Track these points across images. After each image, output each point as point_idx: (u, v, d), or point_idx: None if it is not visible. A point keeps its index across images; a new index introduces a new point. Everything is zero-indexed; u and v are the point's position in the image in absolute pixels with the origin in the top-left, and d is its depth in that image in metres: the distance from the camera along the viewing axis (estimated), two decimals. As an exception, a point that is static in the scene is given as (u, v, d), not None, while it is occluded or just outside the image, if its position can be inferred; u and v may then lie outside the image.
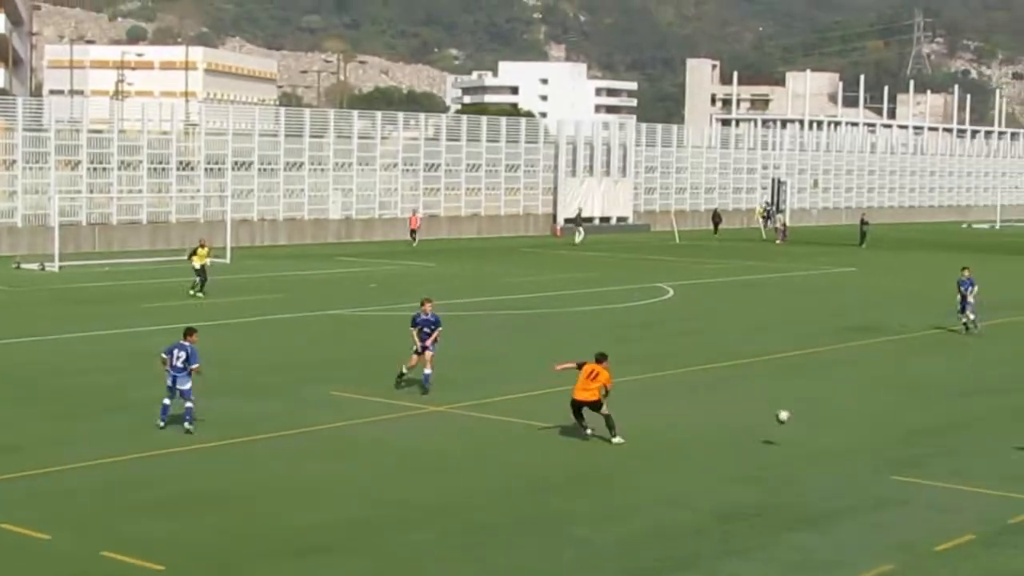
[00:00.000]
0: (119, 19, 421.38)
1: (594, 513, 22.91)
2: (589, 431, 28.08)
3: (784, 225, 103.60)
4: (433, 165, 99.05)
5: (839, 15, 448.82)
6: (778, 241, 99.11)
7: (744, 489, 24.72)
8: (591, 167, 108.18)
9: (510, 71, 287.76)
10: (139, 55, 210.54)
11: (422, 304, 33.86)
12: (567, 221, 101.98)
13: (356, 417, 30.51)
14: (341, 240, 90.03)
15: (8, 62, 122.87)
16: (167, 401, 28.41)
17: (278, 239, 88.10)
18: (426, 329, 33.36)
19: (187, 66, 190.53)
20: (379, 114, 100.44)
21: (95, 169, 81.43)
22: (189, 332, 28.70)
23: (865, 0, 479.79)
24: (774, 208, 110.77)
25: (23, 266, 67.57)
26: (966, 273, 47.33)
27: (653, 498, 24.02)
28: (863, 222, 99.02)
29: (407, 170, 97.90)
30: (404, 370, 33.71)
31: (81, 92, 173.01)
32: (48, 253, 69.06)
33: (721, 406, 33.07)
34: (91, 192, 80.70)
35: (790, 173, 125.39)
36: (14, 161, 78.63)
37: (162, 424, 28.36)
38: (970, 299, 47.11)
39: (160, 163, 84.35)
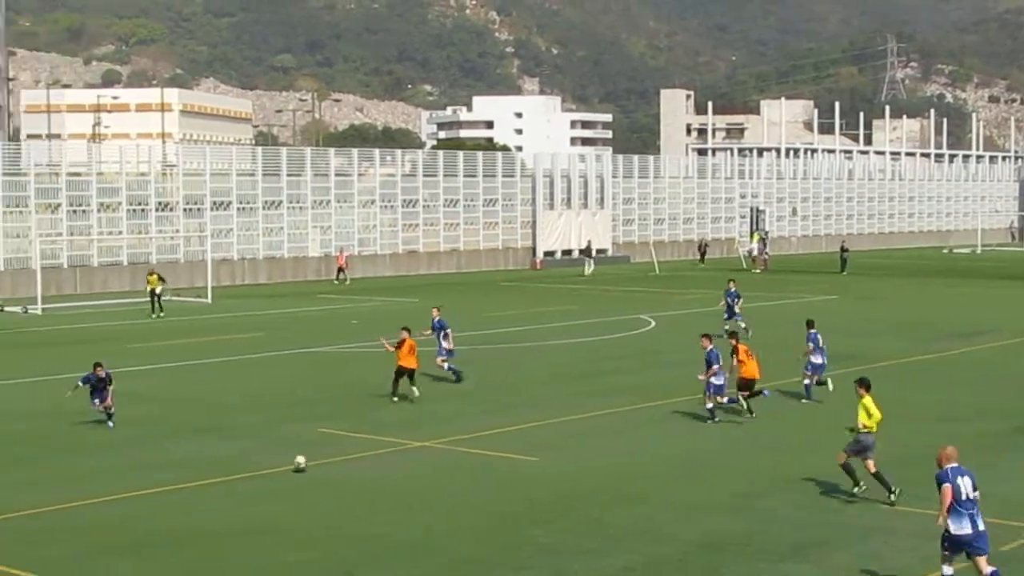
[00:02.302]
0: (94, 63, 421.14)
1: (579, 547, 22.94)
2: None
3: (765, 254, 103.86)
4: (411, 201, 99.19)
5: (811, 43, 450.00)
6: (757, 270, 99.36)
7: (727, 519, 24.79)
8: (568, 200, 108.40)
9: (484, 106, 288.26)
10: (115, 98, 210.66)
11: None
12: (581, 252, 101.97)
13: (340, 454, 30.53)
14: (321, 277, 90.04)
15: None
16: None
17: (258, 278, 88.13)
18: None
19: (163, 108, 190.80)
20: (355, 151, 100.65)
21: (75, 212, 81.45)
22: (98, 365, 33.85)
23: (837, 27, 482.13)
24: (764, 234, 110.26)
25: (6, 309, 67.56)
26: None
27: (637, 530, 24.09)
28: (843, 249, 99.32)
29: (385, 206, 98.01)
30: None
31: (58, 136, 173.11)
32: (31, 296, 69.05)
33: (699, 436, 33.13)
34: (71, 235, 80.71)
35: (768, 201, 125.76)
36: (-7, 206, 78.67)
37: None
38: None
39: (139, 204, 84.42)
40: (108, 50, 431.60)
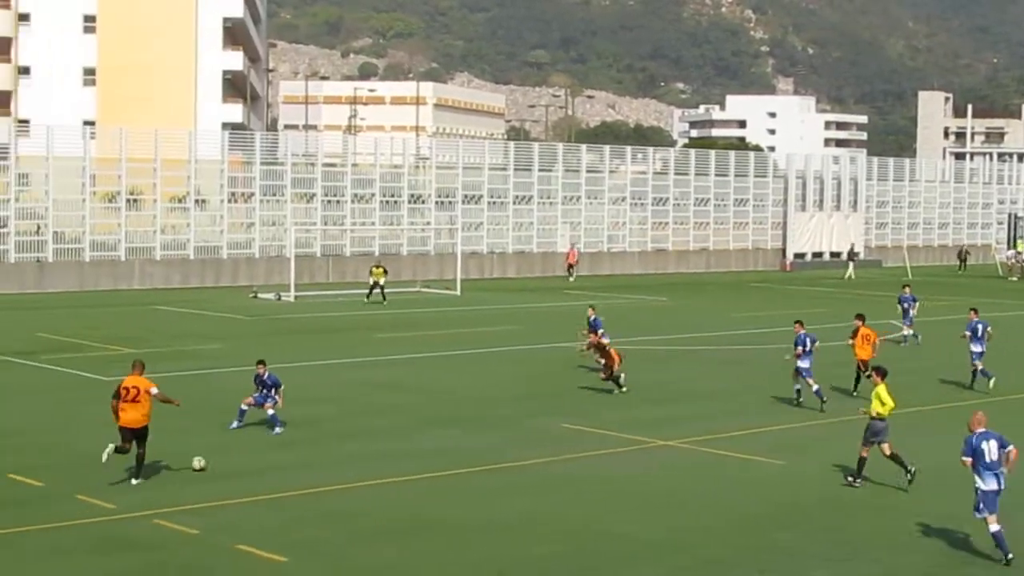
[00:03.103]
0: (351, 56, 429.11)
1: (821, 553, 22.73)
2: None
3: (1021, 262, 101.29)
4: (661, 199, 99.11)
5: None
6: (1013, 278, 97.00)
7: (980, 531, 24.25)
8: (821, 201, 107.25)
9: (737, 105, 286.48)
10: (371, 91, 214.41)
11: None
12: (847, 257, 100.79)
13: (583, 451, 30.70)
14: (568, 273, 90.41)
15: (246, 98, 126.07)
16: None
17: (507, 272, 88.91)
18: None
19: (418, 101, 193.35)
20: (607, 148, 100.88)
21: (329, 202, 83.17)
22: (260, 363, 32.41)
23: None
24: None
25: (260, 296, 69.28)
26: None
27: (881, 539, 23.78)
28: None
29: (635, 204, 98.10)
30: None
31: (315, 127, 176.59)
32: (284, 283, 70.75)
33: (947, 445, 32.47)
34: (325, 224, 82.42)
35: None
36: (252, 194, 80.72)
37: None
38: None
39: (392, 196, 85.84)
40: (365, 43, 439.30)
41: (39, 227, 73.97)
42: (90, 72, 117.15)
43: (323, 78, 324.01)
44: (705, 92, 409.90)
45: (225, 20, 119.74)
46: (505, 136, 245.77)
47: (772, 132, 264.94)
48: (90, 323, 54.87)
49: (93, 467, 27.20)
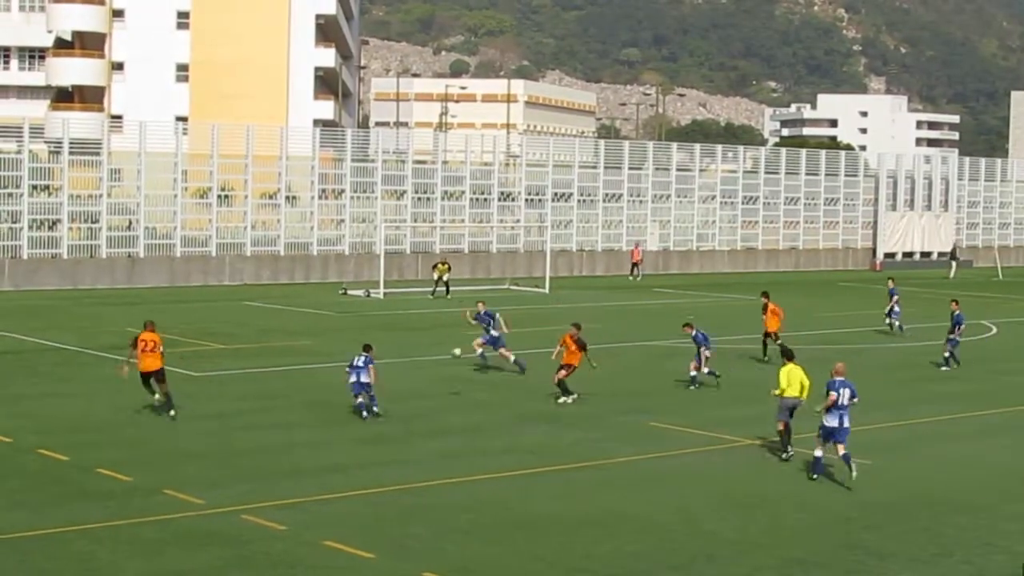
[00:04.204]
0: (443, 53, 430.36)
1: (909, 554, 22.55)
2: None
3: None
4: (751, 198, 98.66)
5: None
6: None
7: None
8: (911, 201, 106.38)
9: (829, 104, 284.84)
10: (462, 88, 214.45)
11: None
12: (950, 257, 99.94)
13: (669, 448, 30.64)
14: (658, 272, 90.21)
15: (338, 95, 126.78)
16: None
17: (596, 270, 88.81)
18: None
19: (509, 99, 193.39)
20: (697, 146, 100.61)
21: (419, 199, 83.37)
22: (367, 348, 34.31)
23: None
24: None
25: (349, 292, 69.59)
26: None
27: (971, 541, 23.54)
28: None
29: (725, 203, 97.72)
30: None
31: (406, 124, 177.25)
32: (373, 280, 71.03)
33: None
34: (415, 221, 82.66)
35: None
36: (342, 191, 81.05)
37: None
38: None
39: (482, 193, 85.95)
40: (457, 40, 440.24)
41: (131, 222, 74.65)
42: (183, 68, 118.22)
43: (415, 75, 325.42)
44: (796, 91, 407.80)
45: (318, 17, 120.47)
46: (596, 134, 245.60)
47: (863, 131, 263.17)
48: (180, 318, 55.31)
49: (181, 462, 27.44)
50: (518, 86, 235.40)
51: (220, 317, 57.51)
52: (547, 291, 71.90)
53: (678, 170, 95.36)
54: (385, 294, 68.35)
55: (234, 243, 76.82)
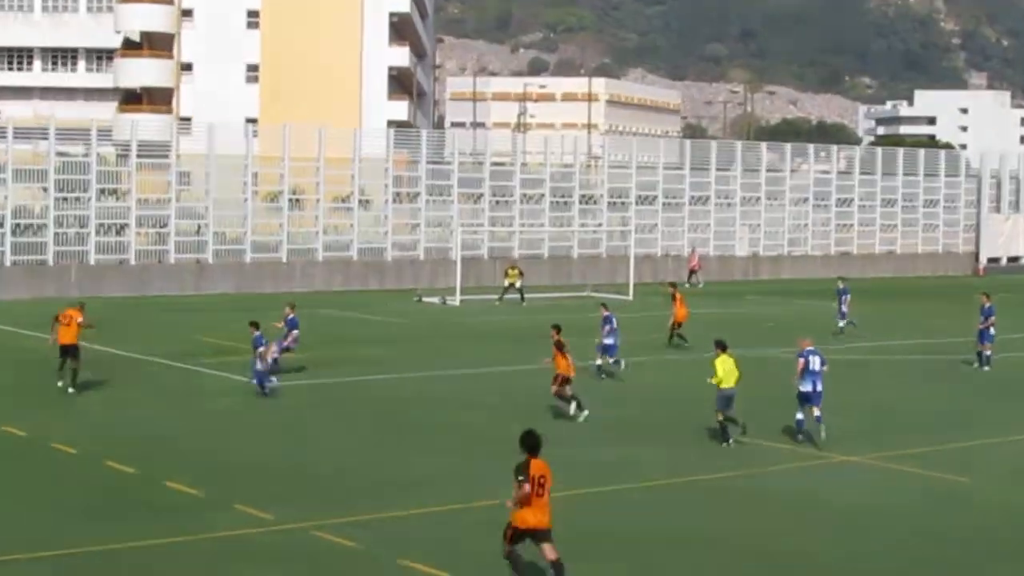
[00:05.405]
0: (520, 51, 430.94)
1: (1010, 573, 22.23)
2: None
3: None
4: (846, 200, 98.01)
5: None
6: None
7: None
8: (1017, 203, 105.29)
9: (927, 100, 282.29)
10: (541, 87, 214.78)
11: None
12: None
13: (763, 465, 30.34)
14: (747, 278, 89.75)
15: (412, 95, 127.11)
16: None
17: (682, 276, 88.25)
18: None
19: (589, 98, 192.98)
20: (788, 146, 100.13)
21: (497, 202, 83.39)
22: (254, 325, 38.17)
23: None
24: None
25: (424, 299, 69.63)
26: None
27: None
28: None
29: (818, 205, 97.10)
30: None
31: (483, 124, 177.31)
32: (449, 287, 71.01)
33: None
34: (492, 226, 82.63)
35: None
36: (417, 194, 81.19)
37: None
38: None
39: (562, 197, 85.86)
40: (535, 38, 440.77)
41: (199, 227, 75.12)
42: (253, 69, 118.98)
43: (492, 74, 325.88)
44: (892, 87, 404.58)
45: (391, 15, 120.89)
46: (681, 134, 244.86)
47: (964, 129, 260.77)
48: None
49: (250, 475, 27.44)
50: (599, 84, 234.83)
51: (291, 325, 57.58)
52: (631, 298, 71.59)
53: (768, 171, 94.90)
54: (461, 301, 68.34)
55: (305, 248, 77.14)
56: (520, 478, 20.05)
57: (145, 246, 73.31)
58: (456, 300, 68.49)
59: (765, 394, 39.59)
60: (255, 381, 38.06)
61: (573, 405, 35.20)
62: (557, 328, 36.34)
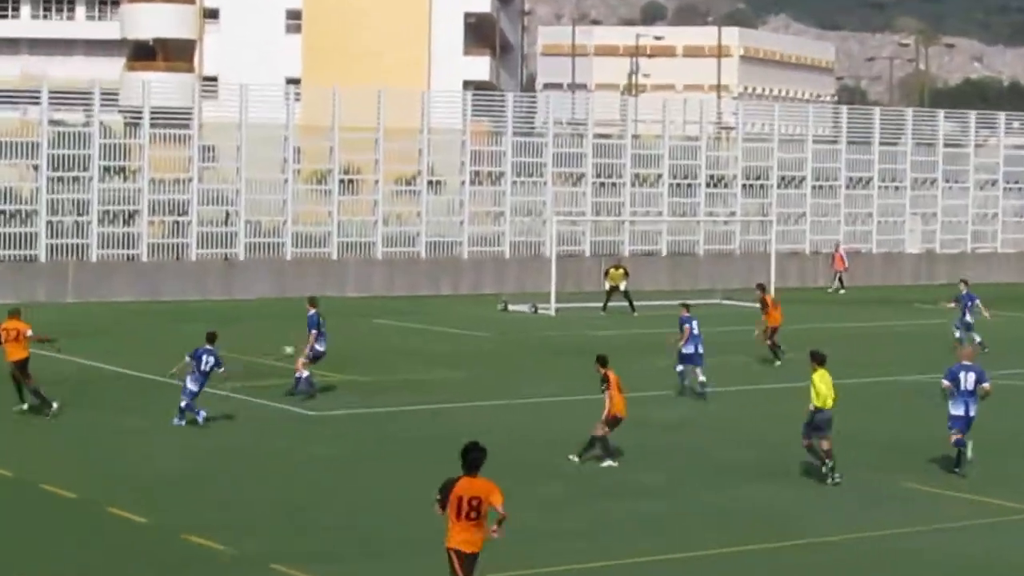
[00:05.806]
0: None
1: None
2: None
3: None
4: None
5: None
6: None
7: None
8: None
9: None
10: (657, 39, 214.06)
11: None
12: None
13: (938, 520, 30.09)
14: (920, 282, 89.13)
15: (494, 49, 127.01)
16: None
17: (833, 279, 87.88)
18: None
19: (719, 52, 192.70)
20: (972, 114, 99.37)
21: (602, 185, 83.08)
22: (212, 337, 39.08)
23: None
24: None
25: (511, 307, 69.57)
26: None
27: None
28: None
29: (1010, 189, 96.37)
30: None
31: (584, 86, 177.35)
32: (542, 291, 70.73)
33: None
34: (596, 214, 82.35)
35: None
36: (502, 174, 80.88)
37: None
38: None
39: (684, 177, 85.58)
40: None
41: (228, 215, 75.39)
42: (294, 16, 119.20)
43: (594, 22, 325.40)
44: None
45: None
46: (835, 99, 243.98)
47: None
48: (290, 341, 55.65)
49: (288, 524, 27.57)
50: (731, 36, 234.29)
51: (341, 339, 57.59)
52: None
53: (946, 146, 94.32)
54: (557, 310, 68.26)
55: (361, 243, 77.30)
56: (438, 498, 20.76)
57: (160, 239, 73.72)
58: (551, 308, 68.40)
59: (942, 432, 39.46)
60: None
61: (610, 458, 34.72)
62: (602, 361, 35.18)
